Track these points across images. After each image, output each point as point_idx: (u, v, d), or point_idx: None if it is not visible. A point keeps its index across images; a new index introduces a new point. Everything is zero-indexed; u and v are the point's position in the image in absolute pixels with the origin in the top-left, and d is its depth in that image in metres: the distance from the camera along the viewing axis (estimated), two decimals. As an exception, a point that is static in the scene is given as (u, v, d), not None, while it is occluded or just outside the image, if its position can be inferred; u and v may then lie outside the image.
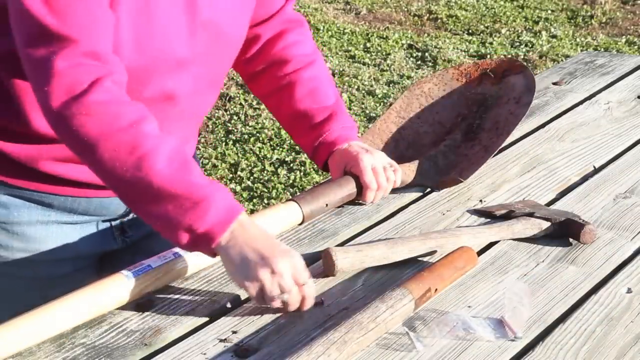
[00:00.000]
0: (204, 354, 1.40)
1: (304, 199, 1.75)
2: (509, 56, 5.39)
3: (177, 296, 1.54)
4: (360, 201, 1.83)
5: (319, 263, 1.63)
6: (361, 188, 1.80)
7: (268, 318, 1.49)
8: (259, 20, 1.82)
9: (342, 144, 1.81)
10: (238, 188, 3.95)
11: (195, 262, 1.58)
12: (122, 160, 1.41)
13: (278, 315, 1.49)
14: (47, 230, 1.68)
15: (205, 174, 4.04)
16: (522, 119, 1.97)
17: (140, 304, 1.51)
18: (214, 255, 1.47)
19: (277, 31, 1.85)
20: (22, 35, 1.44)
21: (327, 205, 1.77)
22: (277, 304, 1.46)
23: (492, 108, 2.05)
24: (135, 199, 1.45)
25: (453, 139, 2.01)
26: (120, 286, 1.48)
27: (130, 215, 1.77)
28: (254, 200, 3.87)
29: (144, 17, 1.51)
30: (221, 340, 1.43)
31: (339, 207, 1.83)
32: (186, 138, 1.75)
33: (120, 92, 1.45)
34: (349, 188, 1.80)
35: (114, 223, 1.76)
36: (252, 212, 3.75)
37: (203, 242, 1.44)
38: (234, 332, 1.45)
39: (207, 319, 1.49)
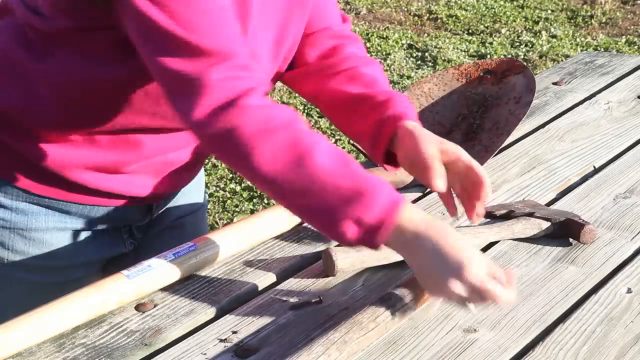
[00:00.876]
0: (204, 354, 1.40)
1: None
2: (509, 56, 5.40)
3: (177, 296, 1.54)
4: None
5: (319, 263, 1.63)
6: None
7: (268, 318, 1.49)
8: (306, 32, 1.73)
9: (409, 119, 1.57)
10: (238, 188, 3.95)
11: (195, 262, 1.58)
12: (282, 157, 1.38)
13: (278, 315, 1.49)
14: (63, 236, 1.68)
15: (206, 174, 4.04)
16: (522, 119, 1.97)
17: (140, 304, 1.51)
18: (378, 247, 1.40)
19: (332, 45, 1.72)
20: (159, 47, 1.40)
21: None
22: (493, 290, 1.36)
23: (492, 108, 2.06)
24: (297, 196, 1.39)
25: (453, 139, 2.01)
26: (120, 286, 1.48)
27: (145, 221, 1.78)
28: (254, 200, 3.87)
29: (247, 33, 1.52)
30: (221, 340, 1.43)
31: None
32: (206, 152, 1.77)
33: (270, 100, 1.43)
34: None
35: (123, 229, 1.77)
36: (252, 212, 3.75)
37: (372, 233, 1.38)
38: (234, 332, 1.45)
39: (207, 319, 1.50)
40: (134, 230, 1.78)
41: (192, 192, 1.89)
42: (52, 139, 1.59)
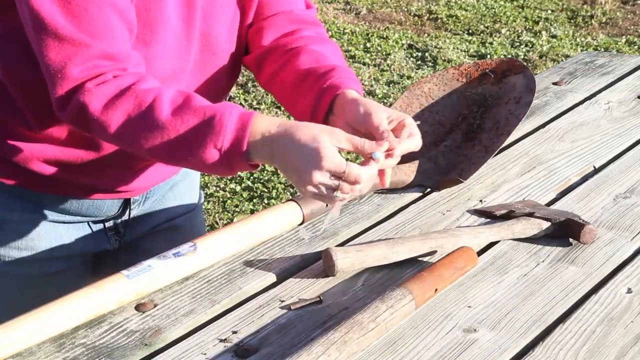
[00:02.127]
0: (204, 354, 1.40)
1: (304, 199, 1.75)
2: (509, 56, 5.39)
3: (177, 296, 1.54)
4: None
5: (319, 263, 1.63)
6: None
7: (268, 318, 1.49)
8: (263, 16, 1.73)
9: (347, 88, 1.58)
10: (238, 188, 3.95)
11: (196, 262, 1.58)
12: (134, 120, 1.44)
13: (278, 315, 1.49)
14: (40, 228, 1.68)
15: (206, 174, 4.04)
16: (522, 119, 1.97)
17: (140, 304, 1.51)
18: (255, 167, 1.47)
19: (290, 29, 1.71)
20: (34, 39, 1.44)
21: (327, 205, 1.77)
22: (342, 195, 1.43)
23: (492, 108, 2.06)
24: (158, 145, 1.46)
25: (453, 139, 2.02)
26: (120, 286, 1.48)
27: (124, 217, 1.78)
28: (254, 200, 3.87)
29: (143, 23, 1.51)
30: (221, 340, 1.43)
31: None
32: None
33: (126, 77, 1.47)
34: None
35: (107, 224, 1.76)
36: (252, 212, 3.74)
37: (230, 154, 1.45)
38: (234, 332, 1.45)
39: (207, 319, 1.50)
40: (120, 227, 1.78)
41: (185, 194, 1.88)
42: (12, 133, 1.60)
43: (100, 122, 1.45)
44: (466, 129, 2.03)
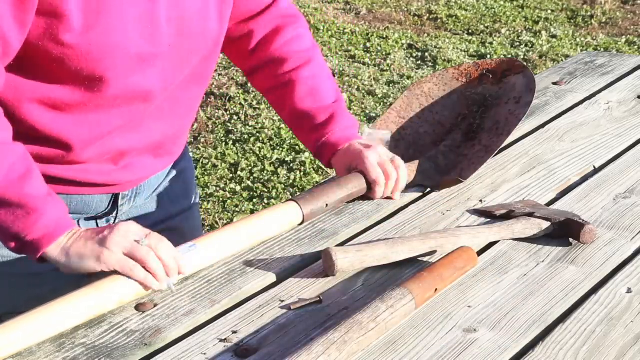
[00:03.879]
0: (204, 354, 1.40)
1: (304, 199, 1.75)
2: (509, 56, 5.40)
3: (177, 296, 1.54)
4: (370, 196, 1.86)
5: (319, 263, 1.63)
6: (369, 185, 1.83)
7: (268, 318, 1.49)
8: (249, 14, 1.82)
9: (344, 144, 1.85)
10: (238, 188, 3.95)
11: (195, 262, 1.58)
12: None
13: (278, 315, 1.49)
14: None
15: (206, 174, 4.05)
16: (522, 119, 1.97)
17: (140, 304, 1.51)
18: (41, 261, 1.52)
19: (273, 27, 1.85)
20: None
21: (327, 205, 1.77)
22: (138, 274, 1.48)
23: (492, 108, 2.06)
24: None
25: (453, 138, 2.02)
26: (120, 285, 1.48)
27: (114, 213, 1.77)
28: (254, 200, 3.87)
29: (94, 14, 1.49)
30: (221, 340, 1.43)
31: (339, 207, 1.83)
32: (170, 137, 1.74)
33: None
34: (349, 187, 1.80)
35: (99, 221, 1.76)
36: (252, 212, 3.75)
37: (30, 250, 1.50)
38: (234, 332, 1.45)
39: (207, 319, 1.50)
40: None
41: (179, 194, 1.88)
42: None
43: None
44: (466, 129, 2.03)
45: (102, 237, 1.49)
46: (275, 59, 1.85)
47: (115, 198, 1.75)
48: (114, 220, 1.78)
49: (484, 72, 2.13)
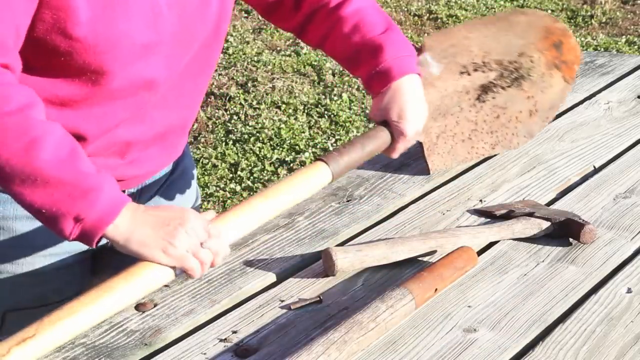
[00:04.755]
0: (204, 354, 1.40)
1: (332, 157, 1.66)
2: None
3: (177, 296, 1.54)
4: (388, 152, 1.75)
5: (319, 263, 1.63)
6: (393, 138, 1.73)
7: (268, 318, 1.49)
8: None
9: (396, 79, 1.72)
10: (238, 188, 3.96)
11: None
12: (8, 145, 1.37)
13: (278, 315, 1.49)
14: (34, 225, 1.67)
15: (206, 174, 4.05)
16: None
17: (141, 303, 1.51)
18: (94, 245, 1.44)
19: None
20: None
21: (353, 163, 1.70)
22: (194, 268, 1.43)
23: (520, 83, 2.04)
24: (20, 185, 1.40)
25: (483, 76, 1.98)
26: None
27: None
28: (254, 200, 3.86)
29: (100, 5, 1.48)
30: (221, 340, 1.43)
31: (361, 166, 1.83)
32: (174, 128, 1.74)
33: (9, 76, 1.42)
34: (372, 145, 1.73)
35: None
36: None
37: (90, 231, 1.42)
38: (234, 332, 1.45)
39: (207, 319, 1.50)
40: None
41: (182, 194, 1.88)
42: None
43: None
44: (486, 84, 2.00)
45: (169, 231, 1.43)
46: (318, 5, 1.80)
47: None
48: None
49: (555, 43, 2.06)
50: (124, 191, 1.75)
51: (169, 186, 1.85)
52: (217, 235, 1.45)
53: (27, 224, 1.67)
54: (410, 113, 1.71)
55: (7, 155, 1.37)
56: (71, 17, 1.46)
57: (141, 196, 1.80)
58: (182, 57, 1.64)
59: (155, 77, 1.60)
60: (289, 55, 5.17)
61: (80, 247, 1.75)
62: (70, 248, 1.73)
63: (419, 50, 1.87)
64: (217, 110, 4.65)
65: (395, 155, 1.75)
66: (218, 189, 3.97)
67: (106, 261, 1.79)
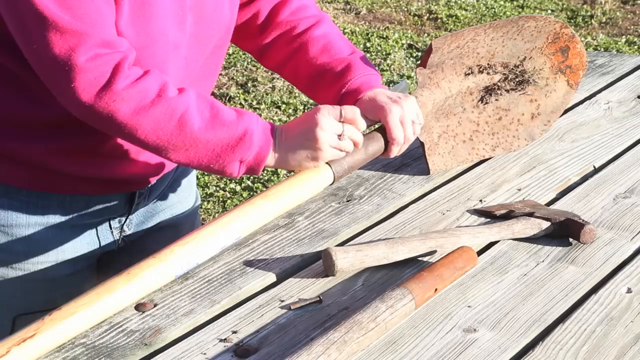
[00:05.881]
0: (204, 354, 1.40)
1: (333, 160, 1.69)
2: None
3: (177, 296, 1.54)
4: (385, 155, 1.77)
5: (319, 263, 1.63)
6: (386, 143, 1.75)
7: (268, 318, 1.49)
8: None
9: (367, 91, 1.75)
10: (238, 188, 3.95)
11: (196, 260, 1.57)
12: (164, 129, 1.52)
13: (278, 315, 1.49)
14: (47, 232, 1.68)
15: (206, 174, 4.04)
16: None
17: (140, 303, 1.51)
18: (259, 173, 1.64)
19: (277, 1, 1.83)
20: (31, 36, 1.44)
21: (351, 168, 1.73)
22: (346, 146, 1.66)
23: (524, 88, 2.03)
24: (186, 153, 1.56)
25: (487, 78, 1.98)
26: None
27: (130, 212, 1.77)
28: (254, 200, 3.86)
29: (138, 1, 1.52)
30: (221, 340, 1.43)
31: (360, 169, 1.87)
32: None
33: (138, 71, 1.51)
34: (369, 150, 1.74)
35: (113, 224, 1.76)
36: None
37: (253, 167, 1.61)
38: (234, 332, 1.45)
39: (207, 319, 1.50)
40: (124, 226, 1.77)
41: (184, 191, 1.89)
42: (15, 126, 1.60)
43: (129, 128, 1.51)
44: (490, 87, 1.99)
45: (311, 139, 1.62)
46: (284, 29, 1.82)
47: (131, 197, 1.76)
48: (126, 221, 1.78)
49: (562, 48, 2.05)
50: (134, 193, 1.76)
51: (173, 183, 1.86)
52: (352, 118, 1.66)
53: (39, 231, 1.67)
54: (395, 119, 1.73)
55: (167, 137, 1.53)
56: (117, 10, 1.50)
57: (150, 194, 1.80)
58: (198, 59, 1.66)
59: (176, 77, 1.61)
60: (289, 55, 5.17)
61: (90, 250, 1.75)
62: (81, 253, 1.73)
63: (428, 51, 1.87)
64: (217, 110, 4.65)
65: (393, 156, 1.78)
66: (218, 189, 3.97)
67: (109, 264, 1.80)
